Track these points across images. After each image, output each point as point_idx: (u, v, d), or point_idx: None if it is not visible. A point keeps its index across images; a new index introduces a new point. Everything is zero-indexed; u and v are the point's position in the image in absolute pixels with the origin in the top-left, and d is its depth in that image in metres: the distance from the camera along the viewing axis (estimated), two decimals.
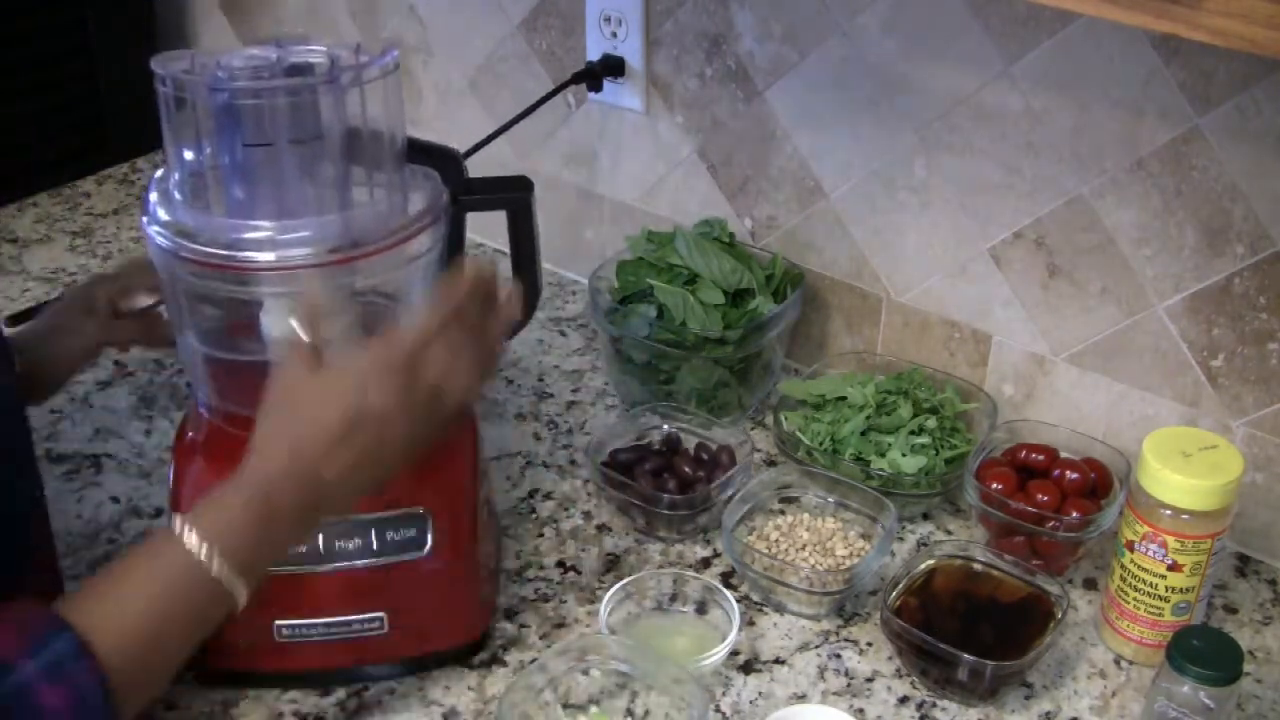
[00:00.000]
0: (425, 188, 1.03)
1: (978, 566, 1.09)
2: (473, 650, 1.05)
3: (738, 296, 1.30)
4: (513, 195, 1.07)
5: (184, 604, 0.78)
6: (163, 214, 0.94)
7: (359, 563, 0.98)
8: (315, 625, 0.99)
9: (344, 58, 0.94)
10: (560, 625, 1.09)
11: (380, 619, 0.99)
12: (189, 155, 0.95)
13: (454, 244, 1.04)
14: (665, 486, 1.17)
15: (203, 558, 0.78)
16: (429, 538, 0.99)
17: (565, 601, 1.11)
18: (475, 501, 1.04)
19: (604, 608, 1.05)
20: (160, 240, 0.93)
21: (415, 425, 0.85)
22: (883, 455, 1.19)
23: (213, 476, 1.00)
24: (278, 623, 0.99)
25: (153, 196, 0.96)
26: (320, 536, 0.98)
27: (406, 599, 1.00)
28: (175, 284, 0.98)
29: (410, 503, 0.99)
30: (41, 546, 0.96)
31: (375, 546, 0.98)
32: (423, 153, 1.03)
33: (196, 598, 0.79)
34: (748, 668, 1.05)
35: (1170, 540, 1.00)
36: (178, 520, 0.79)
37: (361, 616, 0.99)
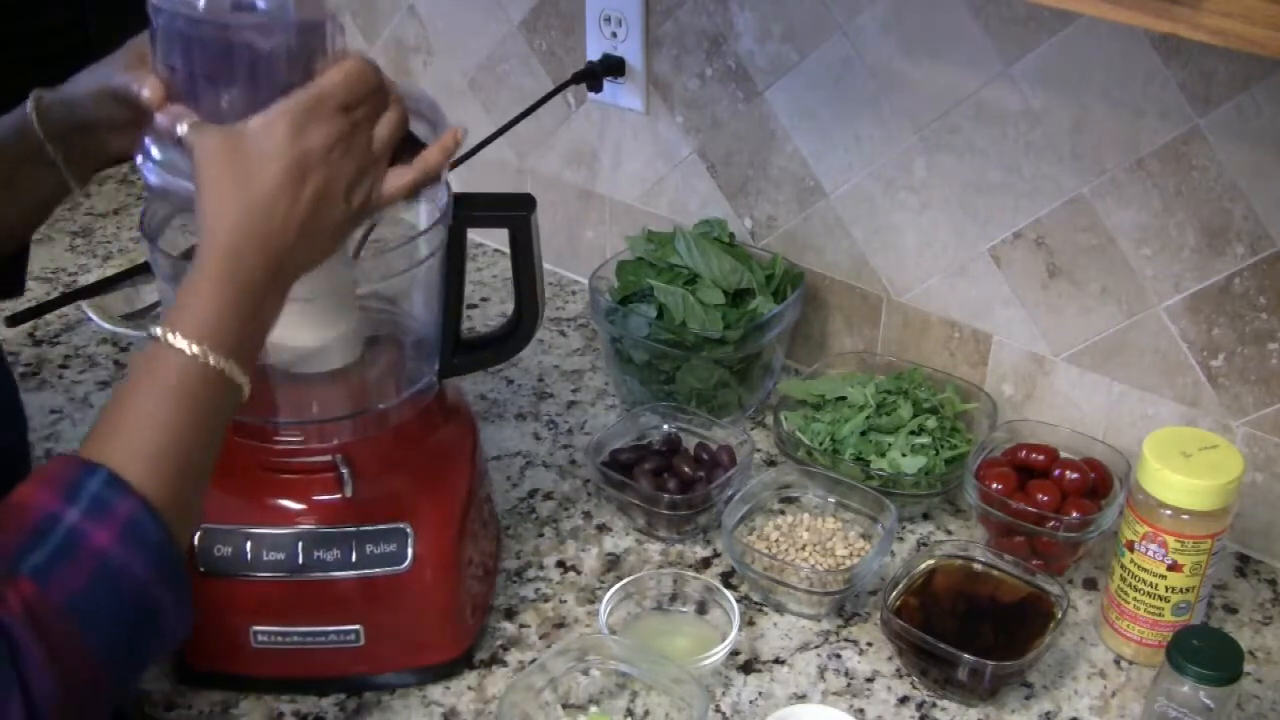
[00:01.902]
0: (427, 194, 1.03)
1: (978, 566, 1.09)
2: (456, 666, 1.04)
3: (738, 296, 1.30)
4: (514, 214, 1.05)
5: (194, 406, 0.77)
6: (156, 153, 0.89)
7: (336, 574, 0.98)
8: (291, 633, 0.99)
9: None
10: (560, 625, 1.09)
11: (356, 631, 0.99)
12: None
13: (456, 253, 1.04)
14: (665, 486, 1.17)
15: (198, 355, 0.77)
16: (409, 553, 0.98)
17: (565, 601, 1.11)
18: (463, 516, 1.03)
19: (604, 608, 1.05)
20: (153, 179, 0.89)
21: (360, 160, 0.83)
22: (883, 455, 1.19)
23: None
24: (254, 628, 0.99)
25: (149, 138, 0.91)
26: (299, 544, 0.98)
27: (385, 613, 0.99)
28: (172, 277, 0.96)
29: (395, 516, 0.99)
30: None
31: (354, 559, 0.98)
32: None
33: (204, 396, 0.77)
34: (748, 668, 1.05)
35: (1170, 540, 1.00)
36: (159, 331, 0.77)
37: (337, 628, 0.99)
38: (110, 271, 1.57)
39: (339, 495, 0.98)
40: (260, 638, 0.99)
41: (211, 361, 0.77)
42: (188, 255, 1.25)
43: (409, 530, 0.98)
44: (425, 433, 1.04)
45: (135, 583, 0.73)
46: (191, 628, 0.77)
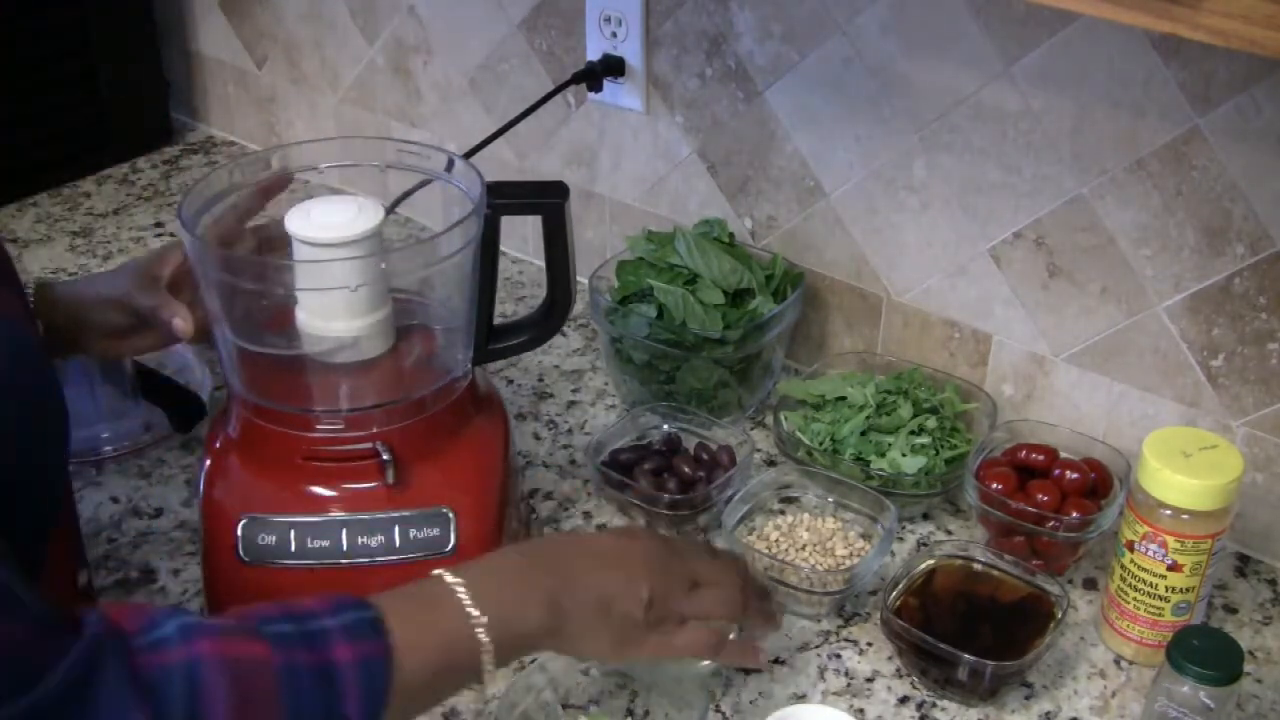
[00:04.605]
0: (460, 186, 1.04)
1: (978, 566, 1.09)
2: None
3: (738, 296, 1.30)
4: (547, 201, 1.08)
5: (452, 652, 0.80)
6: None
7: (381, 559, 0.99)
8: None
9: None
10: None
11: None
12: None
13: (489, 241, 1.05)
14: (665, 486, 1.17)
15: (475, 620, 0.80)
16: (453, 537, 1.00)
17: None
18: (502, 502, 1.04)
19: None
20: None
21: (681, 613, 0.90)
22: (883, 455, 1.19)
23: (243, 468, 1.02)
24: None
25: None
26: (343, 531, 0.98)
27: None
28: (208, 274, 0.99)
29: (435, 501, 1.00)
30: (66, 502, 0.96)
31: (398, 544, 0.99)
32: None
33: (462, 654, 0.81)
34: (748, 668, 1.05)
35: (1170, 540, 1.00)
36: (450, 575, 0.82)
37: None
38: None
39: (380, 482, 0.99)
40: None
41: (481, 636, 0.80)
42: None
43: (451, 515, 0.99)
44: (460, 420, 1.05)
45: (343, 703, 0.73)
46: None
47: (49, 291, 1.09)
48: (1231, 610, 1.12)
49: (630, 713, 0.99)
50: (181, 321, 1.02)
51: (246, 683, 0.69)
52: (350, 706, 0.72)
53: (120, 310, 1.07)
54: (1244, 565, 1.17)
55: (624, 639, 0.88)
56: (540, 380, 1.41)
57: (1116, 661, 1.06)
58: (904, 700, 1.03)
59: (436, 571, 0.82)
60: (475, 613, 0.80)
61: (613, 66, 1.41)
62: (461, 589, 0.81)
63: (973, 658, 0.98)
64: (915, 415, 1.22)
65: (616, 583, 0.88)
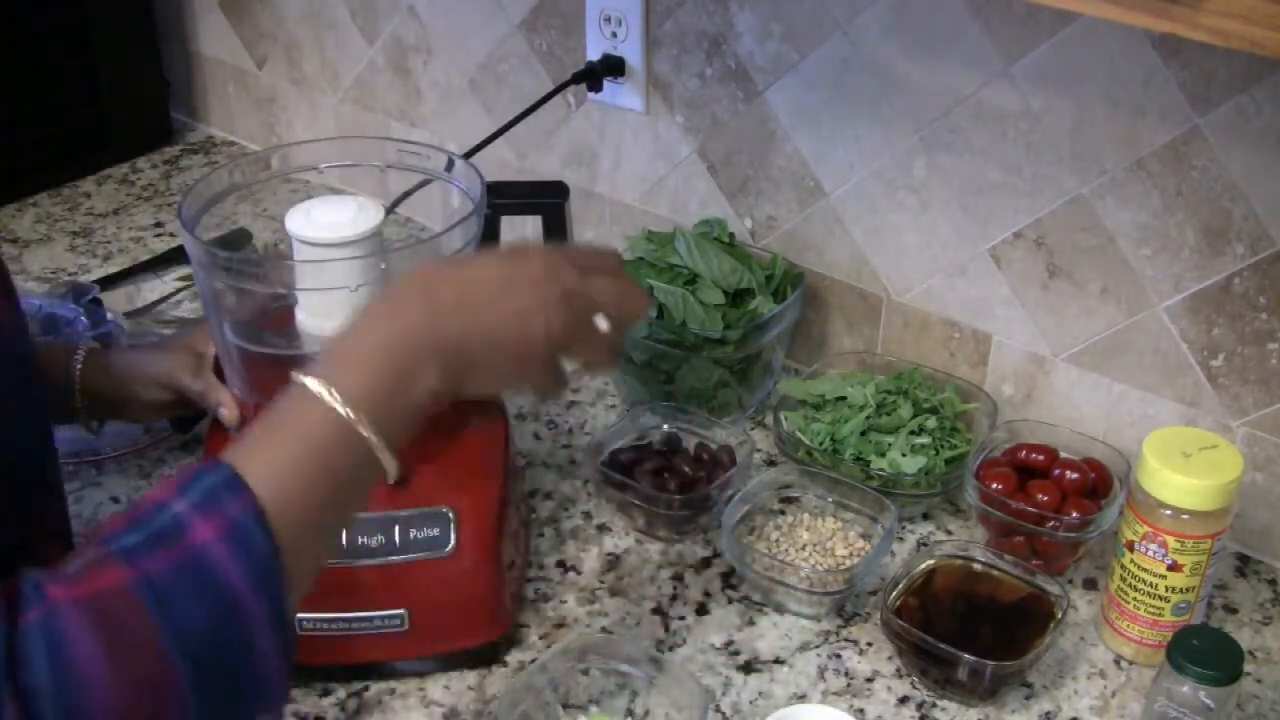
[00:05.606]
0: (460, 186, 1.05)
1: (978, 566, 1.09)
2: (493, 650, 1.05)
3: (738, 296, 1.30)
4: (547, 201, 1.08)
5: (336, 461, 0.74)
6: None
7: (381, 560, 0.99)
8: (336, 620, 1.00)
9: None
10: (560, 625, 1.09)
11: (401, 616, 1.00)
12: None
13: (490, 241, 1.05)
14: (665, 486, 1.17)
15: (351, 419, 0.74)
16: (452, 537, 1.00)
17: (565, 601, 1.11)
18: (502, 502, 1.04)
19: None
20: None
21: (566, 333, 0.84)
22: (883, 455, 1.19)
23: None
24: (298, 615, 0.99)
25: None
26: (343, 532, 0.99)
27: (429, 597, 1.00)
28: (208, 274, 0.99)
29: (435, 501, 1.00)
30: (61, 513, 0.95)
31: (398, 544, 0.99)
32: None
33: (348, 457, 0.74)
34: (748, 668, 1.05)
35: (1170, 540, 1.00)
36: (314, 381, 0.74)
37: (383, 613, 1.00)
38: (112, 270, 1.57)
39: (380, 482, 0.99)
40: (305, 624, 0.99)
41: (364, 432, 0.74)
42: (223, 244, 1.26)
43: (451, 515, 1.00)
44: (460, 420, 1.05)
45: (226, 586, 0.67)
46: (288, 693, 0.72)
47: (98, 359, 1.11)
48: (1231, 610, 1.12)
49: (630, 713, 0.99)
50: (227, 411, 1.03)
51: (110, 615, 0.64)
52: (234, 581, 0.67)
53: (165, 389, 1.11)
54: (1244, 565, 1.17)
55: (526, 362, 0.83)
56: None
57: (1116, 661, 1.06)
58: (904, 700, 1.03)
59: (298, 379, 0.75)
60: (348, 414, 0.73)
61: (613, 66, 1.41)
62: (327, 394, 0.74)
63: (973, 658, 0.98)
64: (915, 415, 1.22)
65: (506, 315, 0.81)
